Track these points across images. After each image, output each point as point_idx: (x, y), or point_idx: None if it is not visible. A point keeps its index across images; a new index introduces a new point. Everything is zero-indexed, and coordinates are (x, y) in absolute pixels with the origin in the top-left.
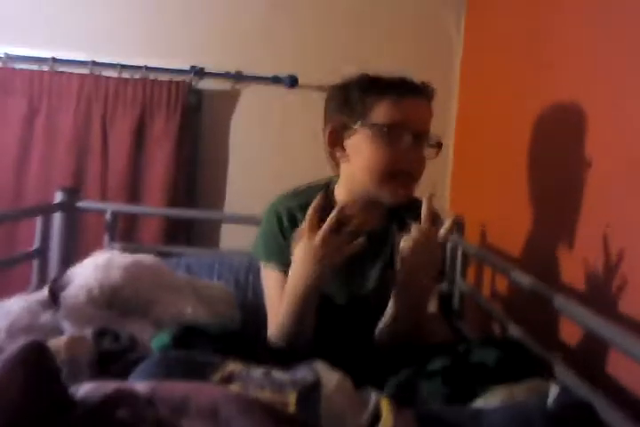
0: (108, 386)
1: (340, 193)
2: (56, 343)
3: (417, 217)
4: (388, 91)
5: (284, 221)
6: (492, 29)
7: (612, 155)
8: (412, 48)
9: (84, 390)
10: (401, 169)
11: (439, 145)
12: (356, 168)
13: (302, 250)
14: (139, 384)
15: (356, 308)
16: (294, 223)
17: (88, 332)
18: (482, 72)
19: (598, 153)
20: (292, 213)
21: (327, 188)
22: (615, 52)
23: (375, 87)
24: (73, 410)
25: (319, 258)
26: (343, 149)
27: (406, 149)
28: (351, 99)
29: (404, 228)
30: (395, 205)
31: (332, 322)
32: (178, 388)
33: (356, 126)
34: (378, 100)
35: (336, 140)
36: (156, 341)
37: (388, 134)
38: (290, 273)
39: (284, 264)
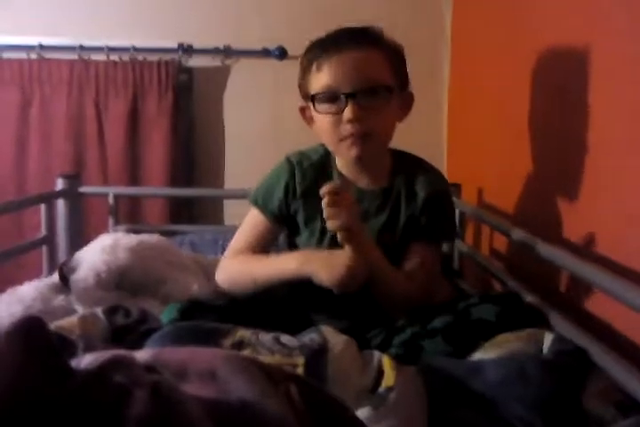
0: (107, 354)
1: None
2: (69, 322)
3: (416, 173)
4: (312, 58)
5: (296, 177)
6: None
7: (614, 107)
8: (404, 14)
9: (86, 360)
10: (345, 134)
11: (387, 89)
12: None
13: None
14: (140, 352)
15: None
16: (305, 180)
17: (99, 309)
18: (474, 30)
19: (599, 106)
20: (305, 171)
21: (327, 157)
22: None
23: (306, 59)
24: (70, 380)
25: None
26: (311, 118)
27: (344, 111)
28: (300, 74)
29: (409, 184)
30: (393, 163)
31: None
32: (177, 354)
33: (305, 102)
34: (309, 71)
35: (305, 117)
36: (164, 315)
37: (323, 103)
38: (296, 253)
39: (273, 215)
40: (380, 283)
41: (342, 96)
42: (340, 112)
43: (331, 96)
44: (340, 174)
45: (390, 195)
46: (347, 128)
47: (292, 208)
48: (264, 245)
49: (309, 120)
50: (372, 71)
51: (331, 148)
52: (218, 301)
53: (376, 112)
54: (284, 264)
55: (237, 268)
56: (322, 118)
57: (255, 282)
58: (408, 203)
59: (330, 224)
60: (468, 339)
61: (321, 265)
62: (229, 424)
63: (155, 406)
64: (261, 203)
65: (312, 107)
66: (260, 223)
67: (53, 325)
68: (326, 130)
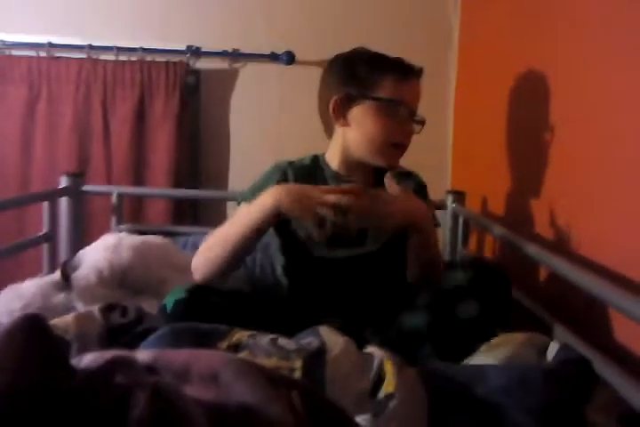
0: (109, 354)
1: (333, 158)
2: (64, 321)
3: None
4: (394, 69)
5: (288, 175)
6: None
7: (623, 119)
8: (410, 22)
9: (87, 360)
10: (398, 141)
11: (423, 123)
12: (357, 137)
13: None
14: (141, 353)
15: (356, 264)
16: (297, 179)
17: (95, 308)
18: (481, 37)
19: (605, 117)
20: (297, 170)
21: (318, 161)
22: (621, 21)
23: (382, 63)
24: (72, 378)
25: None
26: (345, 118)
27: (403, 123)
28: (358, 72)
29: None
30: (383, 169)
31: (331, 278)
32: (178, 355)
33: (361, 98)
34: (384, 76)
35: (340, 110)
36: (170, 295)
37: (391, 109)
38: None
39: None
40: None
41: (408, 111)
42: (401, 122)
43: (398, 107)
44: (337, 174)
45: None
46: (401, 138)
47: None
48: None
49: (341, 114)
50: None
51: (369, 148)
52: (223, 288)
53: (412, 132)
54: (253, 206)
55: (207, 242)
56: (377, 121)
57: (229, 243)
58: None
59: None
60: (445, 305)
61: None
62: None
63: (156, 407)
64: (247, 196)
65: (375, 107)
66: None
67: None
68: (378, 131)
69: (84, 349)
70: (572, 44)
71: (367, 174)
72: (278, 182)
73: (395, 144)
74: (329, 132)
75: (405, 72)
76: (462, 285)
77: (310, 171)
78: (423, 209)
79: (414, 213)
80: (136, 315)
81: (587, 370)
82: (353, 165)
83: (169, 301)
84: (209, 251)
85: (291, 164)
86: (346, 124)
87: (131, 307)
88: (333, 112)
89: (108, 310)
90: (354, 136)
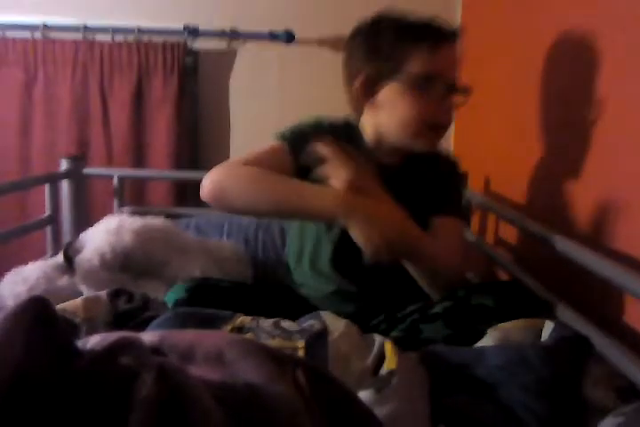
0: (114, 336)
1: (370, 140)
2: (73, 304)
3: (433, 167)
4: (424, 37)
5: (326, 133)
6: None
7: (620, 97)
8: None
9: (92, 341)
10: (436, 121)
11: (467, 91)
12: (389, 119)
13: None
14: (146, 334)
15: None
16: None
17: (103, 293)
18: (482, 22)
19: (603, 96)
20: (333, 133)
21: (354, 131)
22: None
23: (409, 32)
24: (77, 360)
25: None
26: (374, 99)
27: (440, 100)
28: (383, 46)
29: (421, 175)
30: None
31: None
32: (184, 336)
33: (390, 76)
34: (413, 48)
35: (367, 91)
36: (170, 294)
37: (425, 85)
38: (334, 190)
39: (298, 153)
40: (420, 256)
41: (445, 85)
42: (438, 99)
43: (434, 82)
44: (370, 151)
45: (407, 172)
46: (440, 118)
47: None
48: None
49: (369, 96)
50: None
51: (404, 132)
52: (223, 282)
53: (454, 107)
54: (314, 195)
55: (249, 172)
56: (411, 101)
57: (266, 197)
58: (425, 180)
59: (335, 178)
60: (468, 322)
61: (366, 219)
62: (237, 408)
63: (162, 388)
64: (288, 136)
65: (407, 86)
66: (281, 154)
67: (56, 307)
68: (414, 115)
69: (92, 332)
70: (579, 18)
71: (400, 158)
72: (311, 139)
73: (433, 125)
74: (358, 111)
75: (438, 39)
76: (488, 304)
77: (344, 139)
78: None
79: (399, 239)
80: (142, 301)
81: (583, 345)
82: (387, 148)
83: (169, 299)
84: (233, 189)
85: (331, 125)
86: (375, 106)
87: (137, 294)
88: (360, 94)
89: (115, 295)
90: (386, 120)
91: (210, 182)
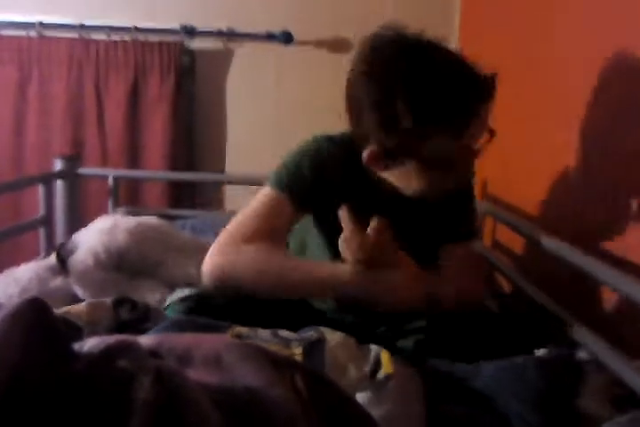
0: (111, 339)
1: None
2: (77, 308)
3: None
4: (455, 113)
5: (327, 168)
6: None
7: (624, 104)
8: (413, 5)
9: (90, 344)
10: (454, 188)
11: (492, 133)
12: (403, 184)
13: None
14: (144, 338)
15: None
16: (335, 172)
17: (108, 300)
18: (482, 25)
19: (597, 97)
20: (336, 162)
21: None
22: None
23: (436, 103)
24: (75, 362)
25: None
26: (386, 168)
27: (462, 166)
28: (398, 115)
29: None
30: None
31: None
32: (181, 340)
33: (407, 154)
34: (438, 129)
35: (379, 164)
36: (170, 308)
37: (448, 165)
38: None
39: (299, 203)
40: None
41: (471, 156)
42: (460, 167)
43: (459, 159)
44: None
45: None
46: (458, 182)
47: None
48: (284, 238)
49: (380, 167)
50: None
51: (419, 188)
52: (221, 300)
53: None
54: (329, 271)
55: (252, 259)
56: (427, 178)
57: (281, 280)
58: (432, 207)
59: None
60: (469, 341)
61: (384, 293)
62: (235, 411)
63: (160, 391)
64: (294, 190)
65: (424, 167)
66: (281, 207)
67: (60, 310)
68: (433, 187)
69: (94, 336)
70: (576, 16)
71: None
72: (316, 174)
73: (449, 190)
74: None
75: (468, 116)
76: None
77: (351, 156)
78: (448, 290)
79: (435, 300)
80: (144, 311)
81: (577, 360)
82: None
83: (169, 311)
84: (245, 275)
85: (330, 139)
86: (386, 171)
87: (140, 303)
88: (369, 165)
89: (118, 303)
90: (399, 183)
91: (212, 269)
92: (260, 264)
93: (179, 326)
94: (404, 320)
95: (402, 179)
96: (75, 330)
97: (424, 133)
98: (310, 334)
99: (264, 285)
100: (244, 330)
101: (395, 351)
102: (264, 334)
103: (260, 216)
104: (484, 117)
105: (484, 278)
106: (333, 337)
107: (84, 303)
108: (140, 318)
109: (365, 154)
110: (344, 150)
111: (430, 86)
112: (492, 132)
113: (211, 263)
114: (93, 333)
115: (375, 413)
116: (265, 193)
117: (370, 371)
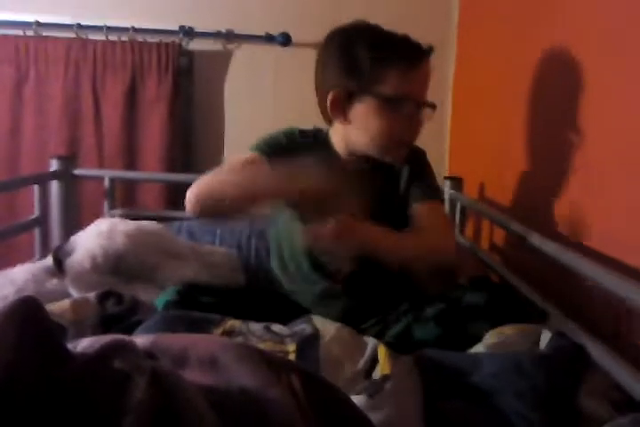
0: (106, 339)
1: (338, 147)
2: (61, 306)
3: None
4: (399, 58)
5: (299, 141)
6: None
7: (610, 104)
8: (409, 1)
9: (83, 344)
10: (404, 139)
11: (434, 107)
12: (359, 133)
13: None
14: (139, 338)
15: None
16: (305, 147)
17: (92, 295)
18: (480, 27)
19: (594, 103)
20: (306, 142)
21: (324, 138)
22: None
23: (384, 52)
24: (69, 363)
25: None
26: (345, 115)
27: (409, 118)
28: (357, 63)
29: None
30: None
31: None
32: (177, 340)
33: (363, 94)
34: (388, 69)
35: (339, 107)
36: (161, 297)
37: (396, 106)
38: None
39: (273, 157)
40: (391, 258)
41: (416, 104)
42: (408, 118)
43: (404, 103)
44: (336, 153)
45: (376, 174)
46: (408, 134)
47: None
48: None
49: (340, 111)
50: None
51: (372, 146)
52: (214, 287)
53: (422, 123)
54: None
55: (230, 172)
56: (380, 120)
57: (227, 191)
58: (398, 176)
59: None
60: (459, 322)
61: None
62: (231, 412)
63: (155, 392)
64: (262, 145)
65: (377, 105)
66: (254, 160)
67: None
68: (383, 133)
69: (79, 335)
70: (577, 24)
71: (369, 163)
72: (285, 146)
73: (401, 141)
74: (328, 121)
75: (412, 60)
76: (479, 304)
77: (314, 145)
78: (364, 237)
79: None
80: (131, 304)
81: (579, 355)
82: (355, 154)
83: (159, 301)
84: (211, 191)
85: (302, 132)
86: (346, 121)
87: (126, 295)
88: (332, 109)
89: (104, 297)
90: (356, 134)
91: (191, 195)
92: (233, 176)
93: (169, 322)
94: (390, 307)
95: (361, 122)
96: (60, 330)
97: (379, 75)
98: (303, 327)
99: (238, 194)
100: (236, 323)
101: (412, 345)
102: (257, 328)
103: (236, 164)
104: (425, 72)
105: (454, 236)
106: (327, 330)
107: (67, 301)
108: (128, 312)
109: (329, 99)
110: (314, 139)
111: (383, 39)
112: (433, 107)
113: (190, 192)
114: (79, 331)
115: (374, 418)
116: (242, 155)
117: (365, 367)
